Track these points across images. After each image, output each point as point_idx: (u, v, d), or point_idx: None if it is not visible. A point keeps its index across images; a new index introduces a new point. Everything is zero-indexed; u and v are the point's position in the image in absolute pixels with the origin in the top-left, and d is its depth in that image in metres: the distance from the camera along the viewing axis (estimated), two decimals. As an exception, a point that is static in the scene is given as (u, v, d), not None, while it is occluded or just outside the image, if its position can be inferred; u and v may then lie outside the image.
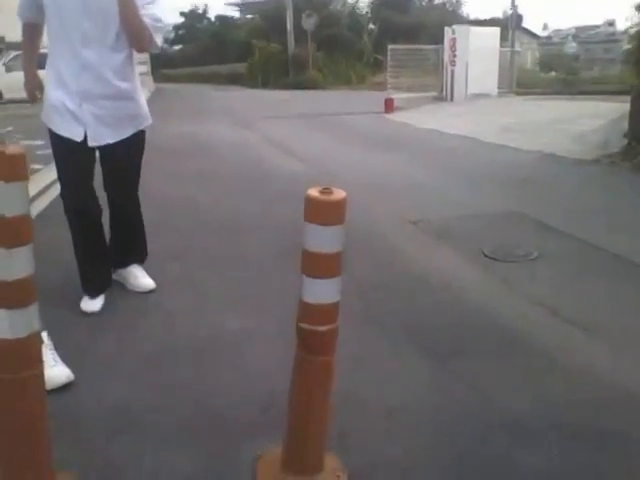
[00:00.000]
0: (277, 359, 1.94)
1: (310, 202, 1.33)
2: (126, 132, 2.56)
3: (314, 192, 1.32)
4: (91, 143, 2.48)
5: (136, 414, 1.86)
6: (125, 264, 2.87)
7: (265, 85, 24.68)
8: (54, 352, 1.98)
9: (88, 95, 2.42)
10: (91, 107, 2.43)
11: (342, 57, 24.77)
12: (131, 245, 2.88)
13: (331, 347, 1.43)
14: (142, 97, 2.68)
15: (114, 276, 2.85)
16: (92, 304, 2.61)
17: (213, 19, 39.95)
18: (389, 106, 12.57)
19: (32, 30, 2.57)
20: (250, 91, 22.92)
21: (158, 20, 2.45)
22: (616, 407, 1.92)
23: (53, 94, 2.44)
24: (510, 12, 17.59)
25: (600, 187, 5.41)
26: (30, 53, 2.64)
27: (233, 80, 25.43)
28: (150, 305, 2.72)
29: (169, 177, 5.47)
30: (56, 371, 1.92)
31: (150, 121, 2.71)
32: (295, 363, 1.46)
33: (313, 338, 1.40)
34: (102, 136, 2.50)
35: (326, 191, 1.32)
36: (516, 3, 17.95)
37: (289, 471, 1.49)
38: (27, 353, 1.30)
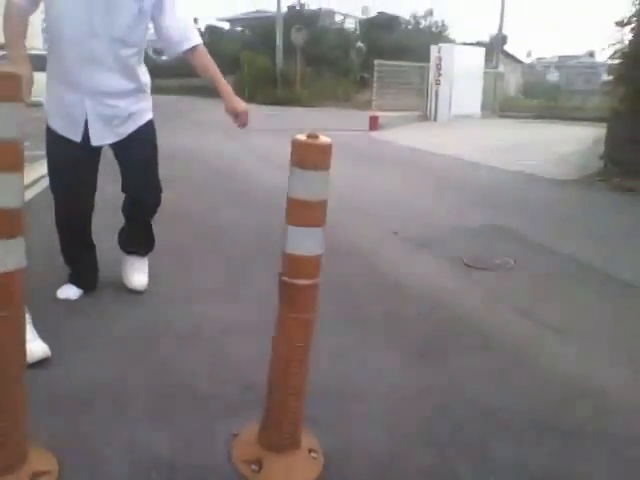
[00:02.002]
0: (256, 347, 1.97)
1: (296, 146, 1.35)
2: (130, 128, 2.45)
3: (301, 137, 1.35)
4: (94, 142, 2.39)
5: (110, 391, 1.89)
6: (128, 251, 2.78)
7: (252, 99, 24.76)
8: (32, 327, 1.99)
9: (91, 91, 2.31)
10: (94, 104, 2.33)
11: (329, 74, 25.03)
12: (141, 236, 2.77)
13: (312, 304, 1.45)
14: (148, 94, 2.55)
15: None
16: (69, 291, 2.61)
17: (203, 30, 40.22)
18: (373, 124, 12.72)
19: (22, 16, 2.26)
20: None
21: (186, 24, 2.49)
22: (581, 402, 1.99)
23: (54, 89, 2.36)
24: (496, 34, 18.00)
25: (577, 204, 5.57)
26: (22, 39, 2.27)
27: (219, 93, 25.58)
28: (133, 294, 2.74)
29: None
30: (34, 345, 1.94)
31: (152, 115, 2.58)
32: (277, 321, 1.48)
33: (294, 292, 1.42)
34: (105, 135, 2.40)
35: (313, 136, 1.35)
36: (502, 26, 18.36)
37: (265, 448, 1.51)
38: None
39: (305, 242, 1.41)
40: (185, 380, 1.99)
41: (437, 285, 3.15)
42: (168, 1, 2.37)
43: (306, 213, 1.40)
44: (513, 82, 30.99)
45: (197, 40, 2.47)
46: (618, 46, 6.73)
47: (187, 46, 2.44)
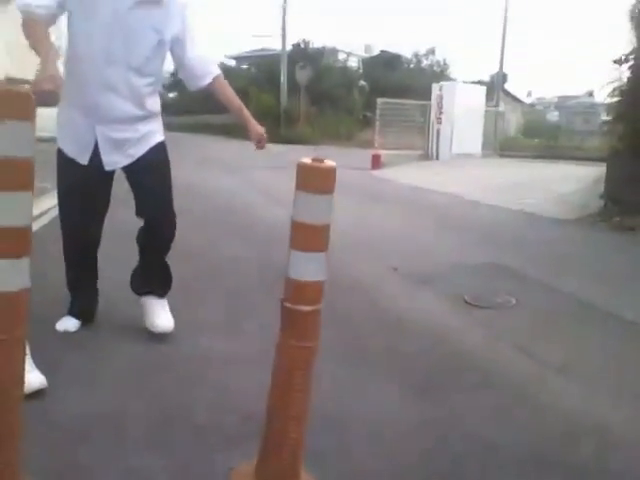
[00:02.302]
0: (257, 378, 1.97)
1: (301, 169, 1.38)
2: (141, 150, 2.44)
3: (306, 160, 1.38)
4: (107, 167, 2.40)
5: (108, 422, 1.88)
6: (146, 291, 2.63)
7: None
8: (30, 359, 1.98)
9: (102, 117, 2.33)
10: (104, 130, 2.35)
11: (332, 112, 25.39)
12: (158, 273, 2.64)
13: (314, 330, 1.45)
14: (158, 117, 2.55)
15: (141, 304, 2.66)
16: (68, 323, 2.60)
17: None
18: (376, 162, 12.86)
19: (41, 22, 2.18)
20: (241, 142, 23.32)
21: (207, 57, 2.56)
22: (583, 439, 1.98)
23: (66, 111, 2.36)
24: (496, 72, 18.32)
25: (578, 244, 5.58)
26: (48, 39, 2.16)
27: (227, 131, 25.88)
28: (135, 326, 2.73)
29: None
30: (31, 376, 1.93)
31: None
32: (278, 347, 1.47)
33: (297, 318, 1.42)
34: (117, 159, 2.41)
35: (317, 160, 1.38)
36: (502, 64, 18.74)
37: (264, 478, 1.49)
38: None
39: (308, 267, 1.43)
40: (185, 411, 1.98)
41: (438, 322, 3.14)
42: (189, 35, 2.44)
43: (310, 237, 1.42)
44: (514, 121, 31.44)
45: (218, 71, 2.56)
46: (616, 84, 6.83)
47: (209, 79, 2.52)
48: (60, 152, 2.44)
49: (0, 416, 1.32)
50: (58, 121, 2.43)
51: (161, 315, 2.60)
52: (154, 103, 2.49)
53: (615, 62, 6.76)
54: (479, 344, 2.86)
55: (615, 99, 7.03)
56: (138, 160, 2.44)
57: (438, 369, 2.51)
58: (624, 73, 6.70)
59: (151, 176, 2.47)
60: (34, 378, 1.97)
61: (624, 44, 6.69)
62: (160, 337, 2.59)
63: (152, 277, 2.64)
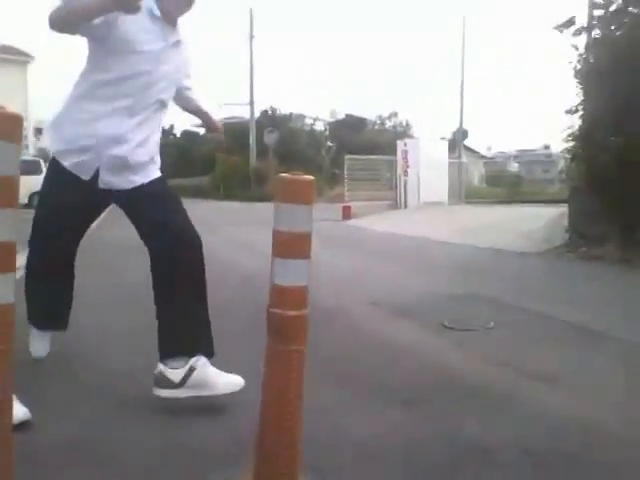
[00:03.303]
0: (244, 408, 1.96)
1: (281, 183, 1.48)
2: (141, 178, 2.28)
3: (285, 175, 1.48)
4: (101, 185, 2.23)
5: (94, 449, 1.84)
6: (189, 352, 2.14)
7: (228, 197, 25.45)
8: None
9: (108, 139, 2.19)
10: (106, 153, 2.21)
11: (301, 171, 25.90)
12: (193, 326, 2.17)
13: (302, 335, 1.48)
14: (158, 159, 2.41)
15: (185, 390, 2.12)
16: (38, 346, 2.55)
17: (179, 135, 41.78)
18: (347, 213, 13.14)
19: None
20: (214, 202, 23.56)
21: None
22: (574, 436, 2.01)
23: (71, 130, 2.25)
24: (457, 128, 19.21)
25: (549, 273, 5.75)
26: None
27: (197, 193, 26.19)
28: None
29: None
30: (15, 408, 1.87)
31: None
32: (267, 354, 1.48)
33: (284, 324, 1.45)
34: (115, 181, 2.25)
35: (296, 174, 1.48)
36: (462, 120, 19.64)
37: None
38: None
39: (292, 274, 1.48)
40: (177, 437, 1.94)
41: (419, 344, 3.17)
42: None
43: (291, 245, 1.48)
44: (476, 173, 32.53)
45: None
46: (570, 131, 7.35)
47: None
48: (56, 162, 2.30)
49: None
50: (63, 128, 2.29)
51: (223, 373, 2.17)
52: (158, 142, 2.41)
53: (567, 112, 7.37)
54: (461, 361, 2.89)
55: (571, 144, 7.56)
56: (140, 190, 2.27)
57: (422, 385, 2.51)
58: (576, 121, 7.27)
59: (157, 204, 2.25)
60: (17, 409, 1.92)
61: (573, 96, 7.31)
62: (143, 374, 2.56)
63: (195, 332, 2.19)
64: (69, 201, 2.28)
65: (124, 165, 2.24)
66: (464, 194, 18.78)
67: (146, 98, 2.23)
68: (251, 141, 25.43)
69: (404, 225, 10.98)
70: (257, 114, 27.00)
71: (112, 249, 6.52)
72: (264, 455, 1.50)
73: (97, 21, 2.06)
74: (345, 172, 16.49)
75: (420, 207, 15.26)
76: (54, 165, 2.33)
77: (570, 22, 6.99)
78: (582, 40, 7.09)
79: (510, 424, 2.11)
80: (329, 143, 29.22)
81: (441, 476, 1.75)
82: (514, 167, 48.42)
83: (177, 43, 2.32)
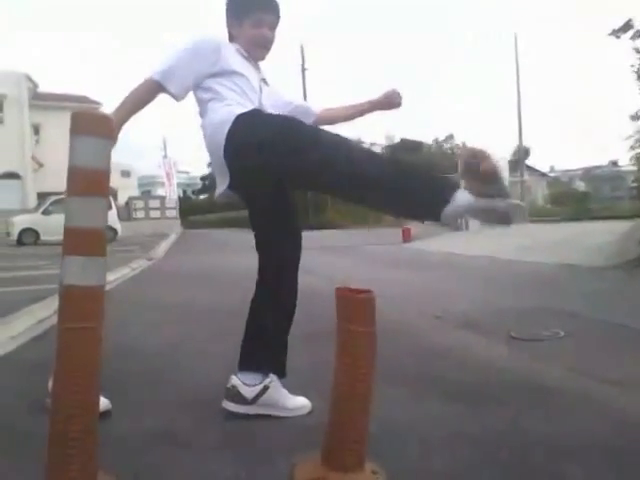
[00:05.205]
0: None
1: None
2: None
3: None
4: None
5: (176, 434, 1.92)
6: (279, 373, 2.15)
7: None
8: None
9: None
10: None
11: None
12: (276, 348, 2.17)
13: (371, 317, 1.48)
14: None
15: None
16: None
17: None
18: (406, 235, 13.06)
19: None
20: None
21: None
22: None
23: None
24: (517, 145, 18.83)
25: (622, 285, 5.49)
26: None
27: (240, 224, 26.88)
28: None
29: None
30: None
31: None
32: (338, 334, 1.50)
33: (353, 305, 1.48)
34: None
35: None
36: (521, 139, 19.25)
37: (329, 467, 1.47)
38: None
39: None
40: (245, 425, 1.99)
41: (482, 352, 3.11)
42: None
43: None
44: (540, 193, 31.61)
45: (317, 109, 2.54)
46: (638, 136, 7.06)
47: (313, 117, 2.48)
48: None
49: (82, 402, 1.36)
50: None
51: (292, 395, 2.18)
52: None
53: (632, 118, 7.08)
54: (527, 367, 2.80)
55: (638, 150, 7.26)
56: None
57: (486, 389, 2.46)
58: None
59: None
60: (100, 400, 2.01)
61: (638, 101, 7.03)
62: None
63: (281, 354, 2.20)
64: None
65: None
66: (527, 213, 18.28)
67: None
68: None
69: (466, 245, 10.80)
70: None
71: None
72: (334, 433, 1.51)
73: (215, 69, 2.09)
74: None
75: (482, 228, 14.94)
76: None
77: (628, 26, 6.80)
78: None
79: (586, 423, 2.03)
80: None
81: (519, 475, 1.70)
82: (580, 186, 46.67)
83: (265, 81, 2.31)
